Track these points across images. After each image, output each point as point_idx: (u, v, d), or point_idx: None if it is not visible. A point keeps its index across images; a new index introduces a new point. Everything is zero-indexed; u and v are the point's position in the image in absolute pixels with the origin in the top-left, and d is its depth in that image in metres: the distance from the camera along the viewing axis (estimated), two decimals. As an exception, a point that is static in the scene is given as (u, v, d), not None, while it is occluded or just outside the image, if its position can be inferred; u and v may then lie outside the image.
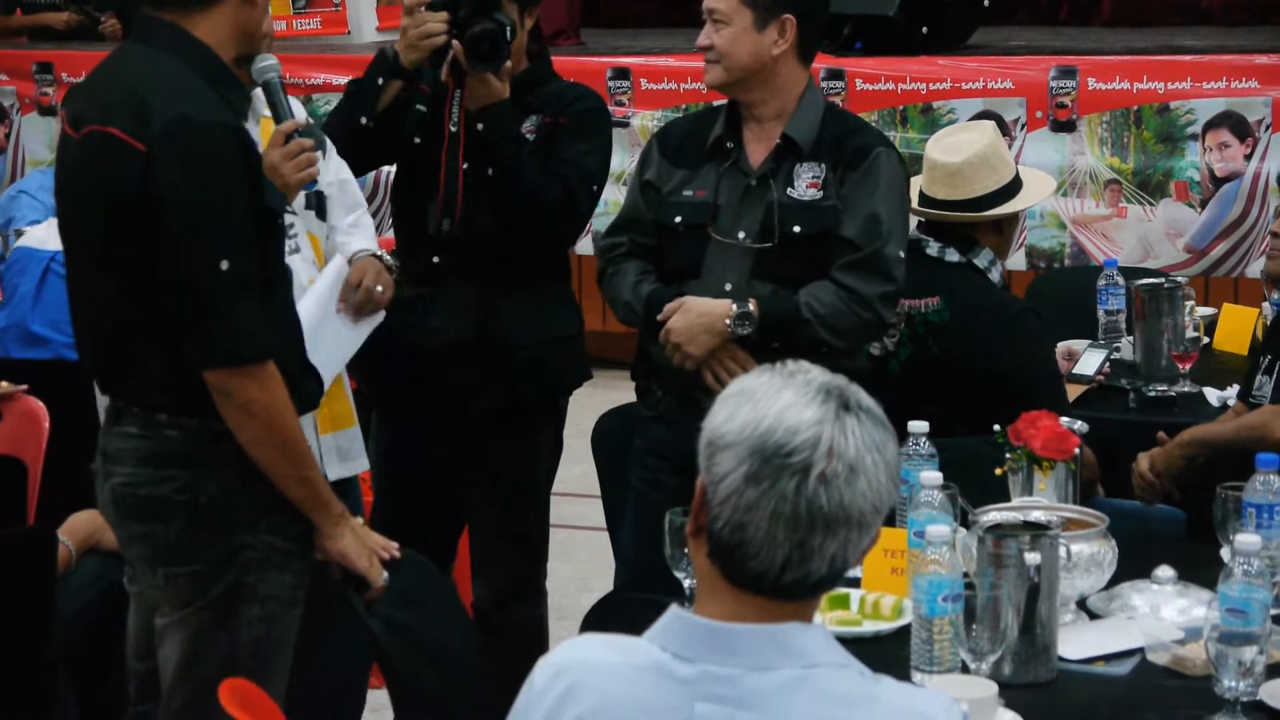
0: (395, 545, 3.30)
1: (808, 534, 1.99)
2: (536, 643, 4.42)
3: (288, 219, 3.74)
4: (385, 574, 3.24)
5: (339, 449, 3.94)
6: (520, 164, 4.12)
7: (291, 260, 3.72)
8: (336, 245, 4.22)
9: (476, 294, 4.19)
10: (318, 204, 3.93)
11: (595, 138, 4.28)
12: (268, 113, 3.71)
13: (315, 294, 4.04)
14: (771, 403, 2.01)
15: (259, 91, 3.67)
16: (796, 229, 3.90)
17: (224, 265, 3.00)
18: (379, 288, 4.11)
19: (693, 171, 4.01)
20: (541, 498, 4.40)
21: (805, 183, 3.93)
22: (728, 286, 3.93)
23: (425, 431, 4.32)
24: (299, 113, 3.72)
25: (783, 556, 2.00)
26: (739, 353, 3.87)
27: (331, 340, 3.99)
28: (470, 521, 4.42)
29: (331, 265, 4.13)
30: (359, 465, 4.09)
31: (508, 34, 4.08)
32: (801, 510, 1.98)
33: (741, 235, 3.94)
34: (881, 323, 3.98)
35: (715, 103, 4.17)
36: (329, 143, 3.98)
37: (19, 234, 5.40)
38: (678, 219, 4.00)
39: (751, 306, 3.87)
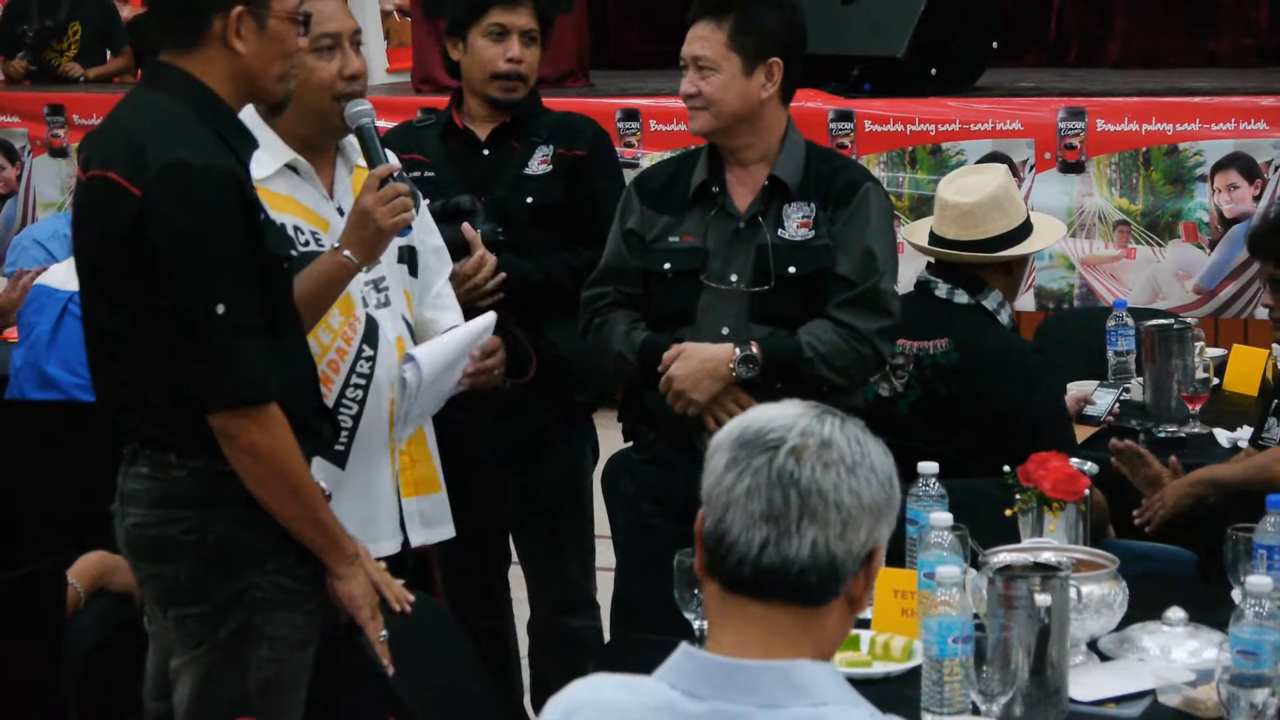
0: (410, 597, 3.27)
1: (783, 507, 2.00)
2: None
3: (379, 272, 3.66)
4: (384, 633, 3.18)
5: (421, 513, 3.79)
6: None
7: (379, 314, 3.69)
8: (424, 318, 3.95)
9: (519, 320, 4.27)
10: (409, 259, 3.82)
11: (615, 166, 4.53)
12: (361, 161, 3.68)
13: (455, 342, 3.83)
14: (760, 412, 2.07)
15: (351, 139, 3.65)
16: (792, 269, 3.90)
17: (220, 309, 3.01)
18: (497, 371, 3.97)
19: (676, 217, 4.00)
20: (589, 507, 4.55)
21: (796, 222, 3.93)
22: (725, 330, 3.92)
23: (475, 458, 4.31)
24: (393, 164, 3.65)
25: (760, 538, 2.01)
26: (742, 396, 3.86)
27: (442, 387, 3.80)
28: (520, 539, 4.54)
29: (480, 321, 3.90)
30: (443, 532, 3.87)
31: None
32: (774, 478, 2.00)
33: (734, 279, 3.93)
34: (880, 358, 3.97)
35: (693, 147, 4.15)
36: (423, 204, 3.81)
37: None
38: (667, 265, 3.98)
39: (754, 349, 3.86)
